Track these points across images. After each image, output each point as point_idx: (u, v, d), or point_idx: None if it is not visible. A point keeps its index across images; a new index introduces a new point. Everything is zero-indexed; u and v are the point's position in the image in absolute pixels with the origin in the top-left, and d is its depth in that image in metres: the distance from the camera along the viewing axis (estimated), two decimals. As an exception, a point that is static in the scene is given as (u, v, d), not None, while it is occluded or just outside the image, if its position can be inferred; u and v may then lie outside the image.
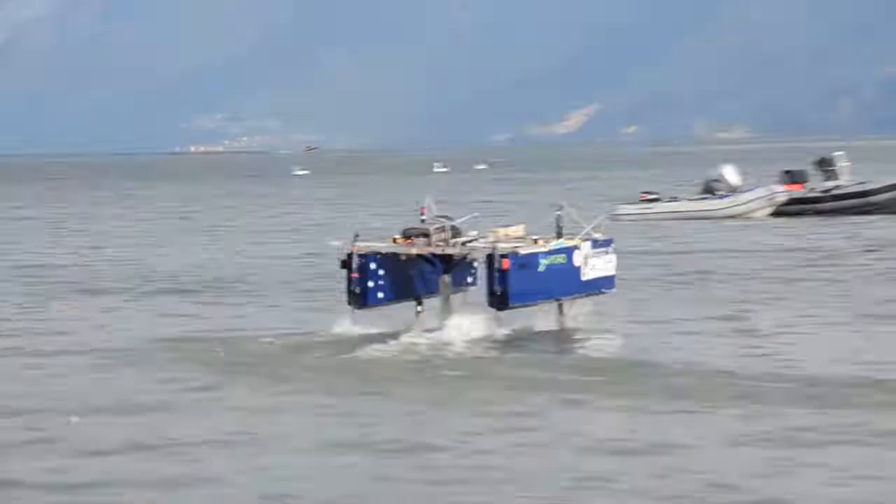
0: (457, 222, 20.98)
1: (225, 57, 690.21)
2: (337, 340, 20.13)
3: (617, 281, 21.46)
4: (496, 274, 19.67)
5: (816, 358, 18.58)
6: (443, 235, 20.42)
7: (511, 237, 20.74)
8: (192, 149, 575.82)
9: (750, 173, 53.37)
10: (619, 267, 21.52)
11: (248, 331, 22.04)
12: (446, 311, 20.47)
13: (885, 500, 11.58)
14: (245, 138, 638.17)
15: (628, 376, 17.47)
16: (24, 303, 27.37)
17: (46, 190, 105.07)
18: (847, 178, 49.33)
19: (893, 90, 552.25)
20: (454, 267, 20.60)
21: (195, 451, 13.77)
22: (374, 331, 20.27)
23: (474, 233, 20.92)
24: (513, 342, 20.09)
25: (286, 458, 13.48)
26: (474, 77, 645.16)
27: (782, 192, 48.68)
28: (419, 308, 20.91)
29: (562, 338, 20.60)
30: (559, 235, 20.82)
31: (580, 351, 19.85)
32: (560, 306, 20.91)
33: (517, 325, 20.70)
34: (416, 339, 19.95)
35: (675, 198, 50.58)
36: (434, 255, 20.47)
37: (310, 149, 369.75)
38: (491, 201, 65.05)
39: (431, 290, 20.77)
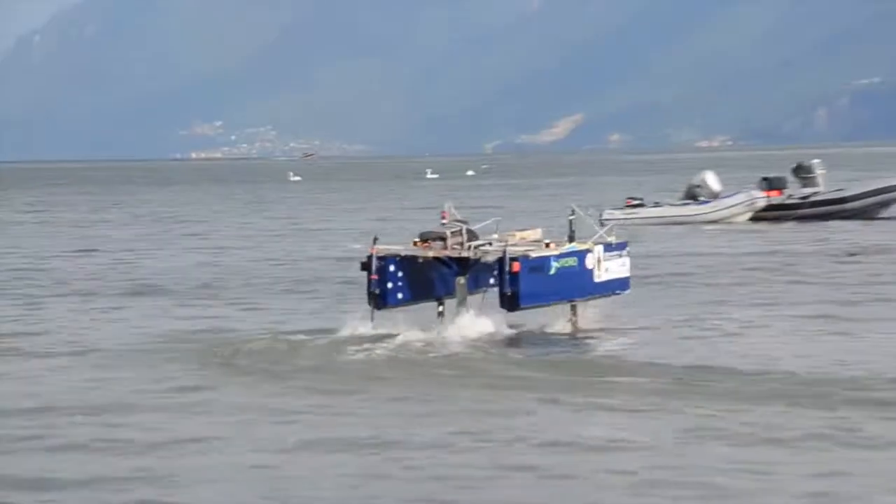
0: (478, 226, 21.14)
1: (224, 66, 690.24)
2: (334, 340, 20.06)
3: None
4: (507, 276, 19.79)
5: (789, 356, 18.49)
6: (458, 239, 20.53)
7: (528, 240, 20.92)
8: (193, 155, 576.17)
9: (733, 181, 53.42)
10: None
11: (246, 332, 21.89)
12: (460, 311, 20.57)
13: (862, 494, 11.41)
14: (244, 145, 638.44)
15: (615, 375, 17.36)
16: (23, 304, 27.17)
17: (47, 195, 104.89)
18: (824, 185, 49.35)
19: (866, 100, 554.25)
20: (470, 269, 20.68)
21: (192, 450, 13.59)
22: (383, 331, 20.25)
23: (495, 236, 21.03)
24: (513, 342, 20.08)
25: (275, 457, 13.30)
26: (465, 87, 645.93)
27: (761, 198, 48.71)
28: (440, 308, 21.01)
29: (560, 338, 20.55)
30: (571, 239, 20.95)
31: (574, 352, 19.73)
32: (573, 307, 20.98)
33: (527, 326, 20.75)
34: (417, 337, 19.91)
35: (658, 203, 50.53)
36: (450, 257, 20.54)
37: (307, 155, 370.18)
38: (480, 207, 64.97)
39: (450, 292, 20.86)
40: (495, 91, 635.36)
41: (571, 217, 21.03)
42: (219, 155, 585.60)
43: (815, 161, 50.37)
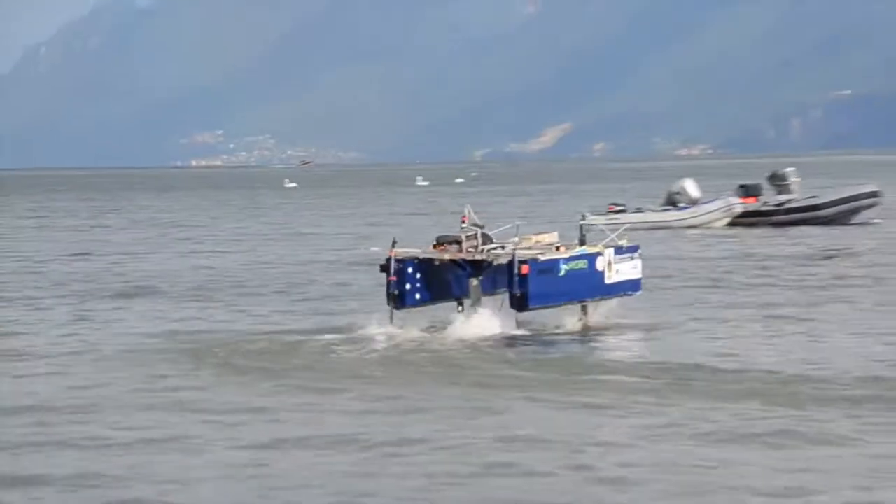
0: (498, 230, 21.39)
1: (223, 78, 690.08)
2: (330, 340, 20.00)
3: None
4: (516, 278, 20.02)
5: (762, 355, 18.45)
6: (473, 242, 20.77)
7: (543, 243, 21.15)
8: (193, 163, 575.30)
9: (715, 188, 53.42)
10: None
11: (241, 332, 21.78)
12: (473, 311, 20.75)
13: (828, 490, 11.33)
14: (243, 153, 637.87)
15: (598, 374, 17.31)
16: (27, 306, 27.04)
17: (49, 200, 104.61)
18: (798, 193, 49.43)
19: (839, 111, 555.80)
20: (485, 271, 20.84)
21: (188, 448, 13.50)
22: (393, 330, 20.39)
23: (515, 239, 21.31)
24: (509, 341, 20.07)
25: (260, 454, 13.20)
26: (457, 97, 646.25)
27: (738, 205, 48.75)
28: (459, 308, 21.17)
29: (552, 338, 20.52)
30: (582, 243, 21.24)
31: (558, 351, 19.67)
32: (584, 307, 21.17)
33: (534, 325, 20.83)
34: (415, 336, 20.00)
35: (640, 209, 50.53)
36: (464, 260, 20.76)
37: (304, 163, 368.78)
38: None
39: (466, 293, 21.07)
40: (485, 101, 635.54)
41: (582, 222, 21.43)
42: (218, 163, 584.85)
43: (790, 169, 50.46)
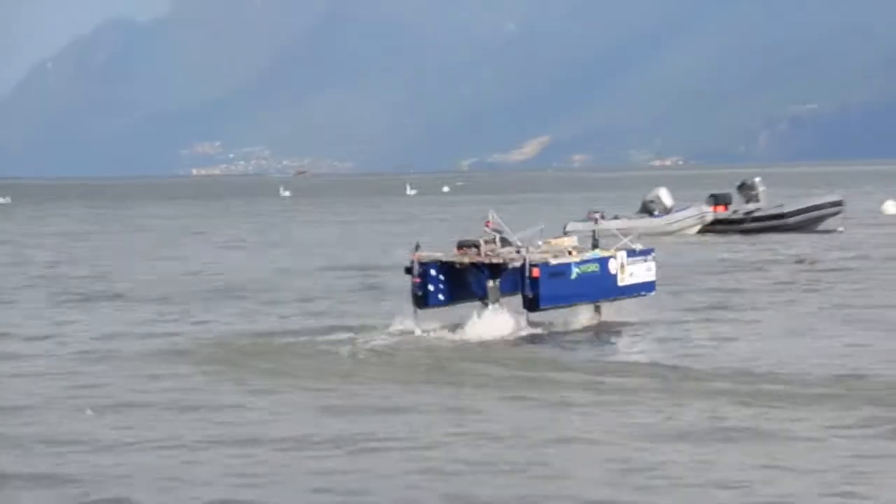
0: (522, 234, 21.66)
1: (222, 91, 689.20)
2: (325, 340, 19.87)
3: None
4: (527, 280, 20.14)
5: (734, 355, 18.37)
6: (492, 246, 20.98)
7: (561, 247, 21.36)
8: (194, 172, 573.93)
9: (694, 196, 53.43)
10: None
11: (236, 333, 21.61)
12: (490, 311, 20.85)
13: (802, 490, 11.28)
14: (241, 163, 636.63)
15: (578, 373, 17.21)
16: (37, 308, 26.88)
17: (54, 206, 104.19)
18: (765, 202, 49.49)
19: (803, 125, 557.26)
20: (503, 273, 20.95)
21: (185, 446, 13.35)
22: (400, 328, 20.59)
23: (540, 243, 21.58)
24: (513, 341, 20.03)
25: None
26: (444, 109, 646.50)
27: (709, 213, 48.78)
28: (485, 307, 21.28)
29: (540, 338, 20.46)
30: (595, 246, 21.51)
31: (541, 351, 19.57)
32: (597, 307, 21.47)
33: (541, 324, 20.96)
34: (428, 334, 20.06)
35: (617, 216, 50.53)
36: (482, 262, 20.94)
37: (300, 172, 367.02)
38: (451, 220, 64.92)
39: (486, 294, 21.20)
40: (470, 114, 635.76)
41: (595, 227, 21.91)
42: (217, 172, 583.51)
43: (758, 179, 50.52)
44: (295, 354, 19.13)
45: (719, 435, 13.23)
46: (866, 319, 22.38)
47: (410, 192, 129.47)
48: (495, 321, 20.39)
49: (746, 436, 13.18)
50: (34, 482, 11.95)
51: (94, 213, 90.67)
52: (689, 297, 26.42)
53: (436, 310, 20.97)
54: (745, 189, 49.63)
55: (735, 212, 49.03)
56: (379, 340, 19.87)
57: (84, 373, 18.29)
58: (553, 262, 20.67)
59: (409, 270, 21.09)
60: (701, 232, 48.03)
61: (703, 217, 48.54)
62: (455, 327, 20.61)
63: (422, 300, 20.90)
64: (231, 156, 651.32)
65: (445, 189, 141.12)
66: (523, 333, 20.57)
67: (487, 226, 21.51)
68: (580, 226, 47.68)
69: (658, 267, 22.50)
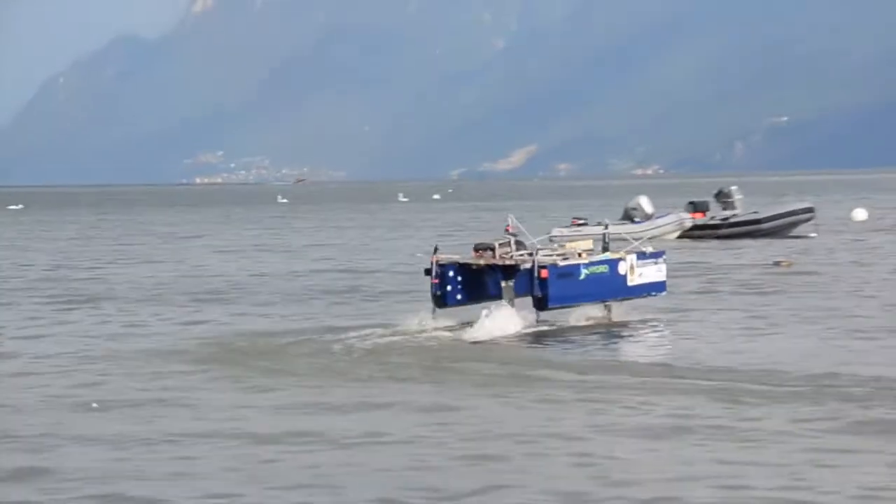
0: (542, 237, 22.05)
1: (224, 104, 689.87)
2: (326, 340, 19.69)
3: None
4: (537, 281, 20.32)
5: (708, 354, 18.22)
6: (506, 249, 21.14)
7: (575, 249, 21.56)
8: (197, 180, 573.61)
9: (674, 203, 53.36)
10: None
11: (233, 333, 21.38)
12: (503, 310, 20.92)
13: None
14: (242, 172, 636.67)
15: (557, 371, 17.00)
16: (38, 309, 26.62)
17: (64, 213, 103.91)
18: (741, 208, 49.47)
19: (776, 136, 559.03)
20: (517, 274, 21.07)
21: (184, 441, 13.13)
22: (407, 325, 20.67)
23: (556, 246, 21.80)
24: (516, 339, 19.93)
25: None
26: (435, 120, 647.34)
27: (688, 219, 48.73)
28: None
29: (525, 337, 20.29)
30: (605, 249, 21.78)
31: (522, 349, 19.42)
32: (607, 306, 21.61)
33: (549, 323, 20.99)
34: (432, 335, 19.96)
35: (600, 223, 50.34)
36: (496, 264, 21.13)
37: (299, 180, 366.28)
38: (440, 225, 64.81)
39: (501, 294, 21.38)
40: (460, 125, 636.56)
41: (605, 231, 22.13)
42: (219, 180, 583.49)
43: (734, 187, 50.54)
44: (291, 353, 18.96)
45: (689, 430, 13.05)
46: (836, 320, 22.25)
47: (402, 199, 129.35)
48: (500, 321, 20.38)
49: (716, 431, 13.00)
50: (36, 476, 11.75)
51: (101, 219, 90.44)
52: (669, 300, 26.26)
53: (454, 309, 21.15)
54: (722, 197, 49.68)
55: (712, 218, 48.99)
56: (374, 340, 19.69)
57: (85, 371, 18.07)
58: (562, 263, 20.82)
59: (428, 272, 21.23)
60: (680, 237, 47.94)
61: (682, 223, 48.48)
62: (459, 327, 20.52)
63: (441, 300, 21.06)
64: (232, 165, 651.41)
65: (436, 197, 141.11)
66: (526, 332, 20.46)
67: (507, 230, 21.69)
68: (565, 231, 47.71)
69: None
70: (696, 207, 49.58)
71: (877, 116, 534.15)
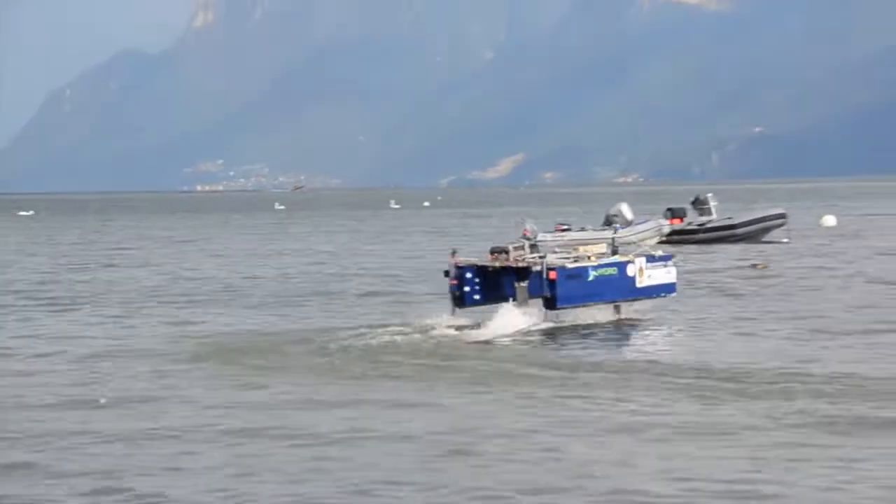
0: (559, 240, 21.73)
1: (224, 114, 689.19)
2: (323, 339, 19.59)
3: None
4: (546, 283, 20.42)
5: (681, 353, 18.14)
6: (521, 252, 21.38)
7: (594, 253, 21.73)
8: (198, 188, 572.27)
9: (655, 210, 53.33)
10: None
11: (231, 334, 21.27)
12: (516, 309, 21.06)
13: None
14: (241, 179, 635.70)
15: (548, 371, 16.93)
16: (43, 311, 26.44)
17: (71, 219, 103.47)
18: (716, 215, 49.53)
19: (750, 147, 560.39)
20: (529, 277, 21.20)
21: (181, 438, 13.03)
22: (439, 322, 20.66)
23: (570, 249, 21.99)
24: (517, 338, 19.88)
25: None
26: (426, 130, 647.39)
27: (667, 225, 48.74)
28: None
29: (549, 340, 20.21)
30: (614, 252, 21.92)
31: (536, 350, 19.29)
32: (617, 307, 21.72)
33: (557, 322, 21.02)
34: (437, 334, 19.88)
35: (583, 228, 50.39)
36: (510, 267, 21.33)
37: (297, 188, 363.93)
38: (430, 231, 64.67)
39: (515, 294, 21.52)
40: (450, 135, 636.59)
41: (615, 235, 21.84)
42: (220, 188, 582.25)
43: (710, 195, 50.65)
44: (288, 353, 18.81)
45: (657, 426, 12.96)
46: (804, 321, 22.21)
47: (394, 206, 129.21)
48: (504, 321, 20.47)
49: (686, 426, 12.93)
50: (44, 471, 11.67)
51: (105, 224, 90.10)
52: (650, 302, 26.29)
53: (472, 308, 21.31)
54: (699, 204, 49.78)
55: (690, 224, 49.03)
56: (368, 339, 19.55)
57: (87, 370, 17.95)
58: (570, 265, 21.02)
59: (447, 274, 21.55)
60: (659, 242, 47.95)
61: (660, 229, 48.49)
62: (467, 326, 20.51)
63: (460, 300, 21.29)
64: (232, 173, 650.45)
65: (426, 204, 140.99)
66: (526, 332, 20.39)
67: (525, 234, 21.89)
68: (549, 237, 47.67)
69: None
70: (674, 214, 49.62)
71: (845, 128, 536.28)
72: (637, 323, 21.95)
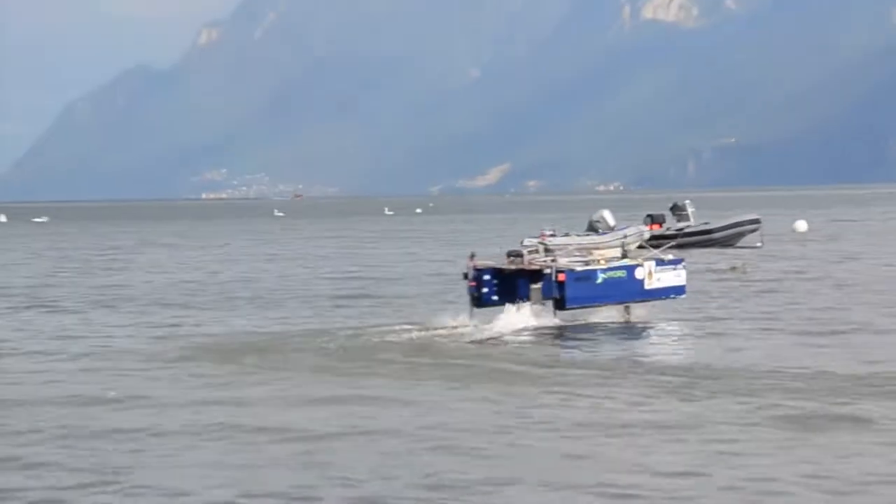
0: (572, 244, 22.07)
1: (227, 126, 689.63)
2: (322, 339, 19.32)
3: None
4: (555, 285, 20.47)
5: (663, 353, 18.03)
6: (533, 255, 21.35)
7: (608, 257, 21.88)
8: (203, 196, 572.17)
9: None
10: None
11: (230, 334, 21.02)
12: (529, 310, 20.99)
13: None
14: (244, 188, 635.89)
15: (547, 368, 16.72)
16: (46, 312, 26.19)
17: (84, 225, 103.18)
18: (694, 220, 49.52)
19: (725, 156, 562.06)
20: (542, 279, 21.12)
21: (183, 434, 12.81)
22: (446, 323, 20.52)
23: (584, 252, 22.01)
24: (517, 338, 19.67)
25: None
26: (418, 141, 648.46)
27: (647, 231, 48.46)
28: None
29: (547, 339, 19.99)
30: (625, 255, 22.02)
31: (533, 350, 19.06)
32: (626, 308, 21.63)
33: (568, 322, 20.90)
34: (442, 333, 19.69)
35: (567, 234, 50.20)
36: (524, 269, 21.29)
37: (297, 196, 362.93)
38: (423, 235, 64.53)
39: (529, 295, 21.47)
40: (440, 145, 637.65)
41: (624, 240, 22.53)
42: (224, 195, 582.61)
43: (687, 202, 50.66)
44: (286, 352, 18.59)
45: (634, 423, 12.77)
46: (776, 321, 22.09)
47: (388, 213, 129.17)
48: (509, 321, 20.32)
49: (663, 421, 12.75)
50: (53, 468, 11.43)
51: (116, 230, 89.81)
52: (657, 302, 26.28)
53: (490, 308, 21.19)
54: (677, 210, 49.80)
55: (668, 229, 48.95)
56: (365, 340, 19.35)
57: (89, 370, 17.71)
58: (579, 268, 20.93)
59: (466, 276, 21.34)
60: (640, 247, 47.79)
61: (641, 234, 48.24)
62: (465, 326, 20.33)
63: (478, 300, 21.20)
64: (235, 182, 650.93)
65: (418, 211, 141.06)
66: (528, 331, 20.21)
67: (542, 237, 21.85)
68: (534, 241, 47.50)
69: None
70: (653, 219, 49.45)
71: (816, 138, 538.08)
72: (624, 324, 21.75)
